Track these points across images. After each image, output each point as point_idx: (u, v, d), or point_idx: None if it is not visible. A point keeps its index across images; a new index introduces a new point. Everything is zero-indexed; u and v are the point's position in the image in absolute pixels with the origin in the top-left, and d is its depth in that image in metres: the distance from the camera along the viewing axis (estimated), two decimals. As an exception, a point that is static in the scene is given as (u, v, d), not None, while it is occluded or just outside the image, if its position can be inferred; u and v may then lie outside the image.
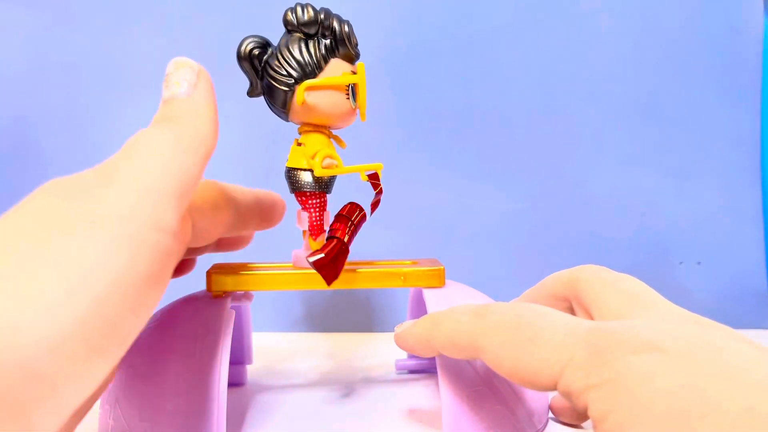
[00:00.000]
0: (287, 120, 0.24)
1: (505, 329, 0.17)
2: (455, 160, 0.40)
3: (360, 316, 0.40)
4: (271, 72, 0.22)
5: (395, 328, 0.21)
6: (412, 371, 0.29)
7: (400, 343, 0.21)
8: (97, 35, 0.39)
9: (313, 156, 0.23)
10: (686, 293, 0.40)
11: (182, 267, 0.21)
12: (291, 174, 0.23)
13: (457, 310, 0.19)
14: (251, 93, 0.24)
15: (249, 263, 0.25)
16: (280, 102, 0.22)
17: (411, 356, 0.30)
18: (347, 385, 0.27)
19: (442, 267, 0.23)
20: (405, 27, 0.39)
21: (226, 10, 0.39)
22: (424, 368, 0.29)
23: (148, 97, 0.39)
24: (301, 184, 0.23)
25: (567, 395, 0.16)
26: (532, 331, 0.17)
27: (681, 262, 0.41)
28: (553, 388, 0.16)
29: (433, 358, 0.28)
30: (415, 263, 0.24)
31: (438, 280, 0.23)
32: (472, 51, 0.40)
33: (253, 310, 0.29)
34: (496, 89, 0.40)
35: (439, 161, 0.40)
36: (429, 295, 0.22)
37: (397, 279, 0.23)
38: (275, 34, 0.23)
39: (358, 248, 0.25)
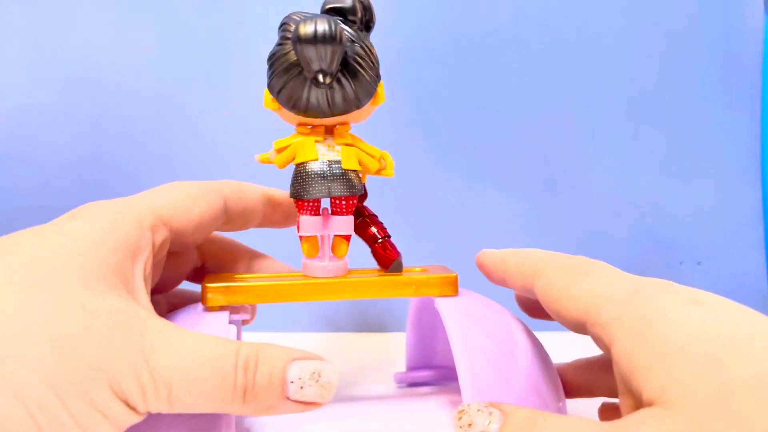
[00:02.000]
0: (330, 115, 0.21)
1: (565, 262, 0.19)
2: (455, 160, 0.40)
3: (362, 316, 0.40)
4: (372, 63, 0.20)
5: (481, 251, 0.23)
6: (411, 384, 0.28)
7: (480, 258, 0.22)
8: (97, 35, 0.39)
9: (379, 158, 0.22)
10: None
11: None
12: (352, 176, 0.21)
13: (533, 249, 0.21)
14: (324, 82, 0.20)
15: (243, 275, 0.23)
16: (368, 96, 0.21)
17: (410, 369, 0.29)
18: (351, 391, 0.27)
19: (454, 274, 0.22)
20: (405, 27, 0.39)
21: (227, 10, 0.39)
22: (424, 381, 0.28)
23: (148, 96, 0.39)
24: (360, 186, 0.22)
25: (595, 327, 0.16)
26: (587, 269, 0.18)
27: (681, 263, 0.41)
28: (582, 321, 0.16)
29: (433, 371, 0.28)
30: (424, 270, 0.23)
31: (451, 288, 0.22)
32: (472, 51, 0.40)
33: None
34: (496, 89, 0.40)
35: (438, 162, 0.40)
36: (443, 304, 0.21)
37: (409, 288, 0.22)
38: (274, 33, 0.22)
39: (360, 253, 0.24)
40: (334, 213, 0.22)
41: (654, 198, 0.41)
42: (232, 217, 0.22)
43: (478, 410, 0.15)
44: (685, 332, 0.14)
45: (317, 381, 0.16)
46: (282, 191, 0.24)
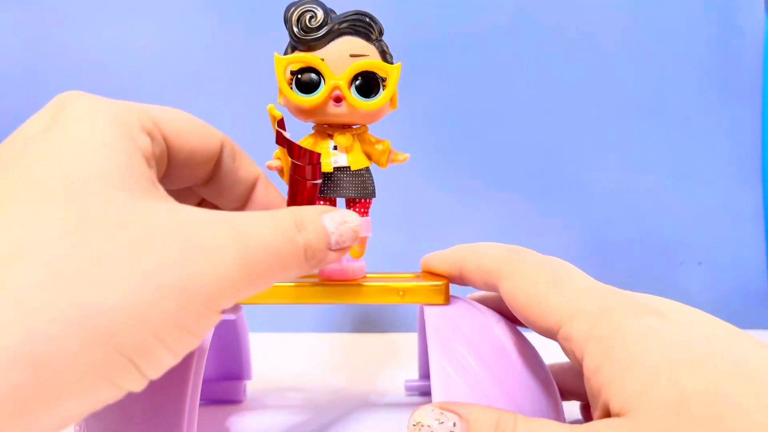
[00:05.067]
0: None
1: (531, 266, 0.18)
2: (455, 160, 0.40)
3: (362, 316, 0.40)
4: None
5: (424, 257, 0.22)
6: (423, 393, 0.28)
7: (425, 264, 0.22)
8: (97, 35, 0.39)
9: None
10: (687, 294, 0.40)
11: None
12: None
13: (491, 244, 0.20)
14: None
15: None
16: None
17: (422, 378, 0.29)
18: (355, 410, 0.27)
19: (445, 282, 0.22)
20: (405, 27, 0.39)
21: (227, 9, 0.39)
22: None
23: (149, 97, 0.40)
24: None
25: (566, 341, 0.16)
26: (556, 277, 0.18)
27: (682, 263, 0.41)
28: (553, 332, 0.17)
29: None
30: (417, 276, 0.23)
31: (440, 296, 0.22)
32: (472, 51, 0.40)
33: (254, 310, 0.28)
34: (496, 89, 0.40)
35: (438, 161, 0.40)
36: (430, 313, 0.21)
37: (395, 295, 0.22)
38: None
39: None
40: None
41: (654, 198, 0.41)
42: (219, 175, 0.19)
43: (437, 419, 0.15)
44: (645, 345, 0.14)
45: (349, 226, 0.17)
46: (271, 185, 0.21)
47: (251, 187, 0.20)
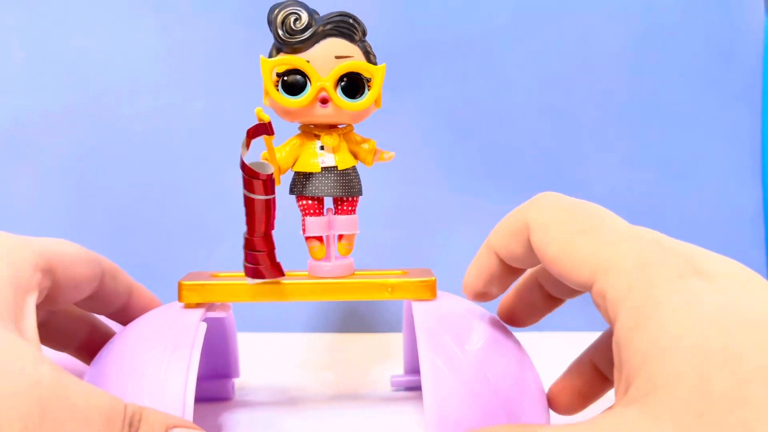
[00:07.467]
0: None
1: (558, 212, 0.17)
2: (455, 160, 0.40)
3: (353, 316, 0.40)
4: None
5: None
6: (408, 388, 0.29)
7: (466, 280, 0.20)
8: (97, 36, 0.39)
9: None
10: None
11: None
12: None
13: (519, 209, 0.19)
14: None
15: (224, 272, 0.24)
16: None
17: (407, 373, 0.29)
18: (341, 406, 0.27)
19: (433, 278, 0.23)
20: (405, 27, 0.39)
21: (228, 9, 0.39)
22: (420, 385, 0.29)
23: (148, 96, 0.40)
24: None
25: (601, 298, 0.15)
26: (587, 224, 0.16)
27: None
28: (587, 287, 0.15)
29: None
30: (405, 273, 0.24)
31: (429, 292, 0.22)
32: (472, 51, 0.40)
33: (245, 309, 0.28)
34: (495, 89, 0.40)
35: (438, 161, 0.40)
36: (418, 308, 0.22)
37: (384, 291, 0.22)
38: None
39: (353, 254, 0.24)
40: (337, 213, 0.23)
41: (654, 197, 0.40)
42: (101, 293, 0.22)
43: None
44: (680, 324, 0.13)
45: None
46: (144, 290, 0.24)
47: (128, 297, 0.23)
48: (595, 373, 0.20)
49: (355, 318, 0.40)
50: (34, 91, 0.39)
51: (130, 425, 0.15)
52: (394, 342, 0.36)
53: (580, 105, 0.40)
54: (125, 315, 0.23)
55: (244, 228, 0.21)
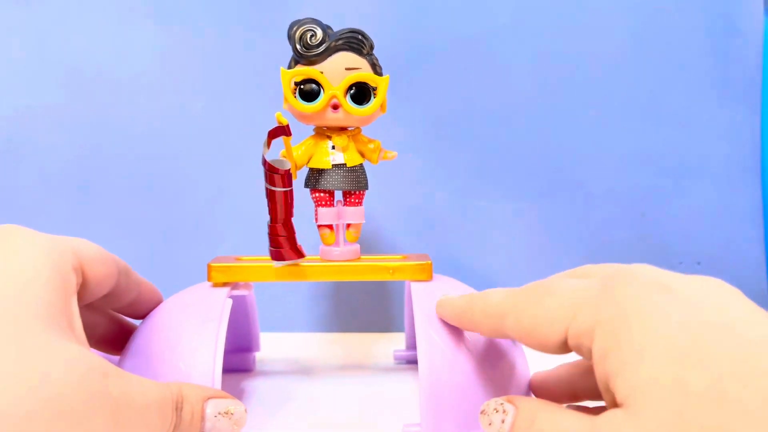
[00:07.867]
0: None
1: (526, 291, 0.18)
2: (454, 160, 0.40)
3: (362, 316, 0.41)
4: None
5: (439, 300, 0.22)
6: (409, 362, 0.32)
7: (440, 311, 0.22)
8: (98, 36, 0.39)
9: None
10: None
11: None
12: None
13: (492, 290, 0.20)
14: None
15: (247, 256, 0.27)
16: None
17: (408, 348, 0.32)
18: (349, 375, 0.30)
19: (429, 261, 0.26)
20: (405, 27, 0.40)
21: (227, 9, 0.39)
22: None
23: (149, 97, 0.40)
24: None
25: (577, 338, 0.15)
26: (549, 288, 0.17)
27: (680, 263, 0.41)
28: (564, 338, 0.16)
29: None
30: (404, 258, 0.27)
31: (425, 273, 0.25)
32: (472, 51, 0.39)
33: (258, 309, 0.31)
34: (495, 89, 0.40)
35: (438, 161, 0.40)
36: (416, 287, 0.24)
37: (386, 272, 0.25)
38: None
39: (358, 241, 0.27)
40: (346, 204, 0.26)
41: (653, 197, 0.40)
42: (117, 290, 0.23)
43: (495, 409, 0.16)
44: (650, 332, 0.14)
45: (230, 417, 0.18)
46: (150, 285, 0.26)
47: (138, 293, 0.24)
48: (575, 385, 0.22)
49: (350, 318, 0.41)
50: (35, 91, 0.39)
51: (176, 408, 0.17)
52: (396, 337, 0.38)
53: (580, 105, 0.40)
54: (134, 309, 0.25)
55: (267, 217, 0.24)
